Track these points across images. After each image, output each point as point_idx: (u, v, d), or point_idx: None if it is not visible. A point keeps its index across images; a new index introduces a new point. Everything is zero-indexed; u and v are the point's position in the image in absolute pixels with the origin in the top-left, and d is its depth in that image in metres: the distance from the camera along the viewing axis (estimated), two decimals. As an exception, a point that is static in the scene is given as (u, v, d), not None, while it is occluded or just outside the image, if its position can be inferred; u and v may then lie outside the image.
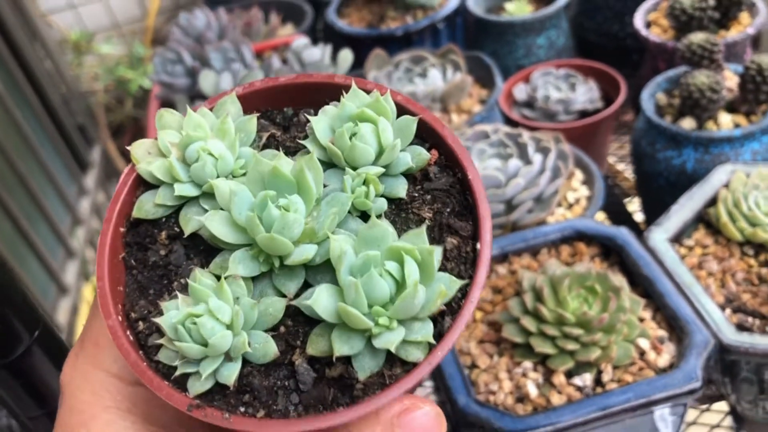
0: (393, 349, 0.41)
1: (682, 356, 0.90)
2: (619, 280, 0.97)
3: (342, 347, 0.42)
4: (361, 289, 0.41)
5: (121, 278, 0.47)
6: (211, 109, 0.50)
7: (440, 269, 0.44)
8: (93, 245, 2.72)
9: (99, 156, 3.03)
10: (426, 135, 0.50)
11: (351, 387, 0.43)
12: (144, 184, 0.49)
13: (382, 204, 0.47)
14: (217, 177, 0.47)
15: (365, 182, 0.46)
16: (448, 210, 0.48)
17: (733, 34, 1.37)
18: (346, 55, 1.26)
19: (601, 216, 1.38)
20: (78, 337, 0.49)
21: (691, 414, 1.17)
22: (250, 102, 0.52)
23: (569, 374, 0.93)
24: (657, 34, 1.44)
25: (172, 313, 0.43)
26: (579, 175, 1.24)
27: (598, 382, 0.92)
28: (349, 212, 0.46)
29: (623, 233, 1.04)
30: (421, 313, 0.42)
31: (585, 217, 1.15)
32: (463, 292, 0.44)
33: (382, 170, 0.47)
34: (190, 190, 0.47)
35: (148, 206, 0.48)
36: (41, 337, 0.78)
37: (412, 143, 0.49)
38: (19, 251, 2.12)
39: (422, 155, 0.49)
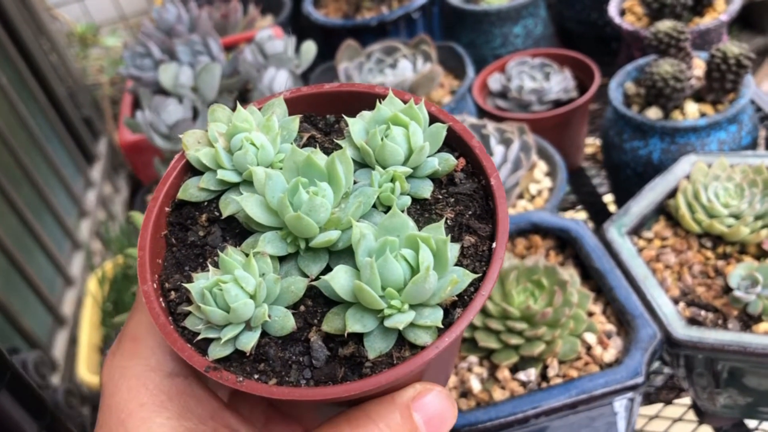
0: (402, 329, 0.43)
1: (627, 352, 0.88)
2: (569, 273, 0.96)
3: (354, 325, 0.44)
4: (377, 270, 0.43)
5: (161, 253, 0.50)
6: (260, 109, 0.54)
7: (457, 265, 0.46)
8: (99, 237, 2.74)
9: (105, 148, 3.04)
10: (456, 144, 0.53)
11: (360, 365, 0.45)
12: (192, 171, 0.52)
13: (406, 201, 0.50)
14: (257, 166, 0.49)
15: (392, 179, 0.49)
16: (470, 213, 0.50)
17: (707, 21, 1.34)
18: (309, 47, 1.25)
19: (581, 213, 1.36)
20: (115, 340, 0.51)
21: (655, 407, 1.16)
22: (296, 106, 0.55)
23: (515, 369, 0.92)
24: (631, 21, 1.41)
25: (202, 281, 0.46)
26: (542, 166, 1.23)
27: (544, 377, 0.91)
28: (374, 206, 0.49)
29: (578, 225, 1.03)
30: (432, 300, 0.44)
31: (545, 209, 1.13)
32: (476, 287, 0.46)
33: (410, 171, 0.50)
34: (232, 177, 0.50)
35: (192, 189, 0.51)
36: (10, 382, 0.80)
37: (442, 151, 0.52)
38: (25, 244, 2.14)
39: (449, 161, 0.51)
